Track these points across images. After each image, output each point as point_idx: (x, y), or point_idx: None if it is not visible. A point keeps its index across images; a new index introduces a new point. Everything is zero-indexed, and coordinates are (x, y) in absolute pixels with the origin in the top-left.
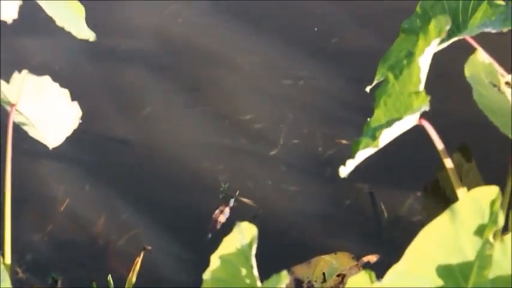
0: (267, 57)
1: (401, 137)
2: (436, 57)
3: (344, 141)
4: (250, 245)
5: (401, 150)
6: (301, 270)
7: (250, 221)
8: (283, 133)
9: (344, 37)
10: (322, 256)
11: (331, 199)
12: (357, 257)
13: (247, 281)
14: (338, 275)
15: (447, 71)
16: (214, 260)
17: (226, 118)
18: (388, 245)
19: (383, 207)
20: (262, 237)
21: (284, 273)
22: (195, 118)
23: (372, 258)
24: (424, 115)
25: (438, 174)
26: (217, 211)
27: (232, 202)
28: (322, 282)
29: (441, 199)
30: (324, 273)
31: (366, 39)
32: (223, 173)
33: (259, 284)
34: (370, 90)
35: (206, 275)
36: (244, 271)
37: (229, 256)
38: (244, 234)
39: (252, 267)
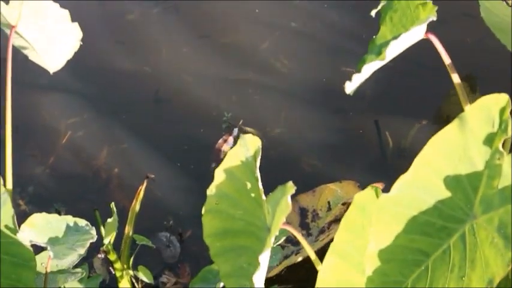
0: None
1: (407, 65)
2: None
3: (349, 69)
4: (254, 156)
5: (406, 81)
6: (306, 199)
7: None
8: (288, 64)
9: None
10: (327, 185)
11: (336, 128)
12: (362, 186)
13: (252, 194)
14: (343, 204)
15: None
16: (219, 174)
17: (228, 49)
18: (393, 173)
19: (388, 135)
20: (265, 167)
21: (290, 184)
22: (199, 50)
23: (378, 186)
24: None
25: (444, 103)
26: (220, 140)
27: (235, 131)
28: (327, 211)
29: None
30: (329, 202)
31: None
32: (227, 103)
33: (264, 197)
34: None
35: (210, 191)
36: (249, 185)
37: (233, 169)
38: (248, 146)
39: (256, 179)
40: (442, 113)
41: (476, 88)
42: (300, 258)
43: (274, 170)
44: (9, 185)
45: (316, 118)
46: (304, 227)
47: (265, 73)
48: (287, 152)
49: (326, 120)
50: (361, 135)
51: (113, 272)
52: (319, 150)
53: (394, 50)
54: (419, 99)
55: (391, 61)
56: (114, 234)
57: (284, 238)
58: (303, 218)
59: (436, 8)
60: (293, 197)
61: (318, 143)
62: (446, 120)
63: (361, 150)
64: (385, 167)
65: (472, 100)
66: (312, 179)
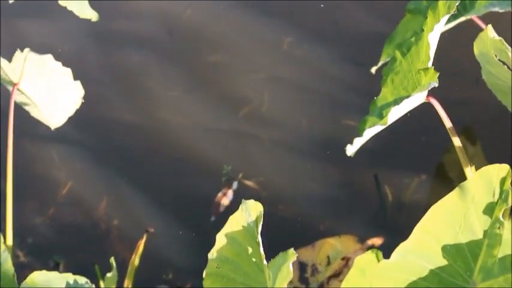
0: (270, 41)
1: (407, 120)
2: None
3: (350, 122)
4: (256, 222)
5: (406, 134)
6: (305, 254)
7: None
8: (286, 116)
9: (345, 20)
10: (327, 239)
11: (335, 182)
12: (362, 240)
13: (254, 259)
14: (343, 258)
15: (454, 52)
16: (220, 239)
17: (229, 102)
18: (392, 228)
19: (387, 190)
20: (265, 221)
21: (291, 251)
22: (197, 102)
23: (377, 241)
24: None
25: (444, 158)
26: (220, 194)
27: (235, 185)
28: (326, 266)
29: (446, 182)
30: (328, 257)
31: (367, 22)
32: (227, 156)
33: (265, 262)
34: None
35: (212, 254)
36: (250, 249)
37: (235, 234)
38: (250, 211)
39: (258, 244)
40: (442, 168)
41: (477, 141)
42: None
43: (274, 223)
44: (10, 240)
45: (316, 171)
46: (303, 281)
47: (265, 126)
48: (287, 206)
49: (326, 173)
50: (361, 189)
51: None
52: (318, 203)
53: (395, 114)
54: (420, 153)
55: None
56: None
57: None
58: (302, 273)
59: (437, 74)
60: None
61: (317, 196)
62: (446, 176)
63: (360, 204)
64: (385, 221)
65: (472, 153)
66: (311, 233)
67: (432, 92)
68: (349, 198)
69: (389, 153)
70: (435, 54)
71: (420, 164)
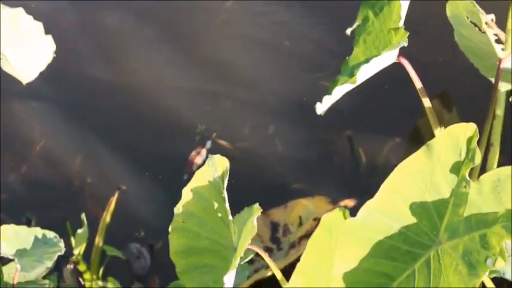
0: (248, 4)
1: (383, 83)
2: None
3: (326, 83)
4: (222, 177)
5: (382, 97)
6: (277, 214)
7: None
8: (263, 77)
9: None
10: (299, 200)
11: (310, 143)
12: (334, 201)
13: (219, 214)
14: (314, 219)
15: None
16: (186, 194)
17: (205, 63)
18: (365, 189)
19: (361, 152)
20: (239, 180)
21: (256, 206)
22: (173, 63)
23: (349, 202)
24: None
25: (418, 121)
26: (193, 152)
27: (209, 144)
28: (298, 226)
29: (420, 145)
30: (300, 217)
31: None
32: (201, 116)
33: (230, 217)
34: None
35: (177, 209)
36: (216, 204)
37: (201, 189)
38: (216, 166)
39: (224, 200)
40: (417, 131)
41: (452, 107)
42: (269, 273)
43: (246, 184)
44: None
45: (290, 132)
46: (275, 241)
47: (241, 87)
48: (260, 166)
49: (300, 135)
50: (335, 151)
51: (82, 283)
52: (292, 164)
53: (365, 73)
54: (396, 116)
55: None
56: (84, 245)
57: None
58: (274, 233)
59: (407, 33)
60: (264, 211)
61: (291, 157)
62: (421, 140)
63: (334, 166)
64: (358, 183)
65: (448, 119)
66: (284, 194)
67: (408, 54)
68: (322, 160)
69: (363, 115)
70: (412, 17)
71: (394, 127)
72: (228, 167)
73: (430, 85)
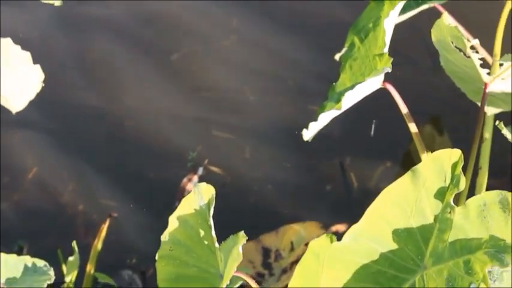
0: (241, 31)
1: (375, 108)
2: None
3: (315, 108)
4: (208, 205)
5: (372, 121)
6: (269, 239)
7: (218, 190)
8: (252, 102)
9: (313, 8)
10: (291, 225)
11: (301, 168)
12: (326, 227)
13: (206, 242)
14: (306, 244)
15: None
16: (173, 221)
17: (195, 89)
18: (357, 214)
19: (353, 177)
20: (230, 206)
21: (241, 234)
22: (163, 89)
23: (341, 227)
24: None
25: (409, 146)
26: (185, 179)
27: (200, 170)
28: (290, 251)
29: None
30: (292, 242)
31: (337, 11)
32: (192, 142)
33: (217, 245)
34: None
35: (164, 237)
36: (202, 232)
37: (187, 217)
38: (203, 194)
39: (210, 227)
40: (408, 155)
41: (443, 131)
42: None
43: (238, 209)
44: None
45: (281, 157)
46: (266, 266)
47: (231, 112)
48: (251, 192)
49: (291, 160)
50: (326, 175)
51: None
52: (283, 190)
53: (350, 99)
54: (387, 141)
55: (359, 102)
56: (75, 272)
57: (239, 284)
58: (266, 258)
59: (391, 59)
60: (256, 236)
61: (282, 182)
62: (412, 164)
63: (325, 191)
64: (349, 208)
65: (439, 143)
66: (275, 219)
67: (397, 79)
68: (314, 185)
69: (355, 140)
70: (401, 43)
71: (386, 152)
72: (214, 195)
73: (421, 109)
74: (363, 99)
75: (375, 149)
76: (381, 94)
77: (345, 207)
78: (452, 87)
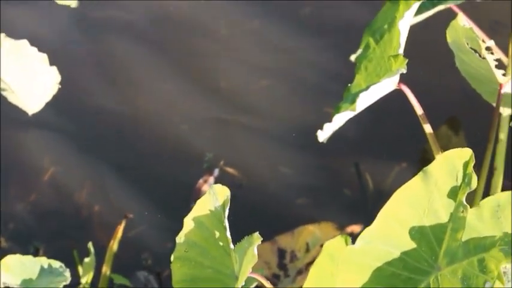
0: (254, 31)
1: (390, 108)
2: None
3: (331, 110)
4: (223, 206)
5: (389, 122)
6: (284, 240)
7: (234, 191)
8: (268, 104)
9: (329, 8)
10: (306, 226)
11: (316, 170)
12: (341, 228)
13: (221, 243)
14: (321, 245)
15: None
16: (188, 223)
17: (213, 90)
18: (372, 215)
19: (368, 178)
20: (246, 207)
21: (256, 235)
22: (179, 90)
23: (356, 228)
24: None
25: (425, 146)
26: (201, 180)
27: (216, 172)
28: (305, 252)
29: None
30: (307, 243)
31: (354, 12)
32: (209, 143)
33: (232, 246)
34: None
35: (179, 238)
36: (217, 234)
37: (202, 218)
38: (217, 196)
39: (225, 229)
40: (423, 156)
41: (459, 131)
42: None
43: (254, 211)
44: None
45: (297, 159)
46: (282, 267)
47: (248, 114)
48: (267, 193)
49: (307, 161)
50: (342, 176)
51: None
52: (299, 191)
53: (365, 100)
54: (403, 142)
55: (375, 102)
56: (91, 273)
57: (254, 285)
58: (281, 259)
59: (406, 60)
60: (271, 237)
61: (298, 184)
62: (427, 164)
63: (340, 191)
64: (365, 209)
65: (455, 143)
66: (291, 220)
67: (414, 80)
68: (329, 186)
69: (370, 141)
70: (416, 44)
71: (401, 152)
72: (229, 196)
73: (436, 110)
74: (378, 100)
75: (390, 150)
76: (396, 94)
77: (360, 208)
78: (468, 89)
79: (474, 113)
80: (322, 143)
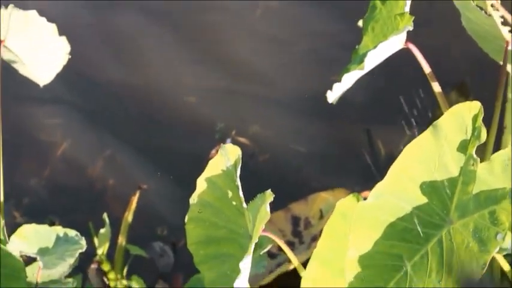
0: (267, 3)
1: (400, 75)
2: None
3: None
4: (234, 165)
5: (399, 88)
6: (298, 208)
7: (246, 160)
8: (277, 73)
9: None
10: (319, 193)
11: (328, 137)
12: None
13: (234, 202)
14: None
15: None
16: (200, 184)
17: (222, 61)
18: None
19: (380, 144)
20: (259, 176)
21: (268, 192)
22: (188, 62)
23: (369, 194)
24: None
25: (437, 112)
26: (213, 151)
27: (228, 141)
28: (319, 219)
29: None
30: (321, 210)
31: None
32: (219, 113)
33: (245, 205)
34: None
35: (192, 199)
36: (230, 193)
37: (215, 178)
38: (229, 155)
39: (237, 188)
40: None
41: (469, 93)
42: (292, 266)
43: (267, 179)
44: (0, 197)
45: (308, 127)
46: (296, 235)
47: (258, 84)
48: (279, 162)
49: (318, 130)
50: (353, 143)
51: (107, 283)
52: (311, 158)
53: (373, 59)
54: (413, 107)
55: (382, 67)
56: (107, 244)
57: (270, 246)
58: (296, 226)
59: (412, 18)
60: (285, 205)
61: (310, 151)
62: None
63: (353, 158)
64: (377, 175)
65: None
66: (304, 188)
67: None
68: (342, 153)
69: (381, 107)
70: (422, 5)
71: (413, 118)
72: (240, 155)
73: (445, 72)
74: (387, 67)
75: (402, 116)
76: (406, 57)
77: (372, 174)
78: (475, 50)
79: (483, 75)
80: (333, 110)
